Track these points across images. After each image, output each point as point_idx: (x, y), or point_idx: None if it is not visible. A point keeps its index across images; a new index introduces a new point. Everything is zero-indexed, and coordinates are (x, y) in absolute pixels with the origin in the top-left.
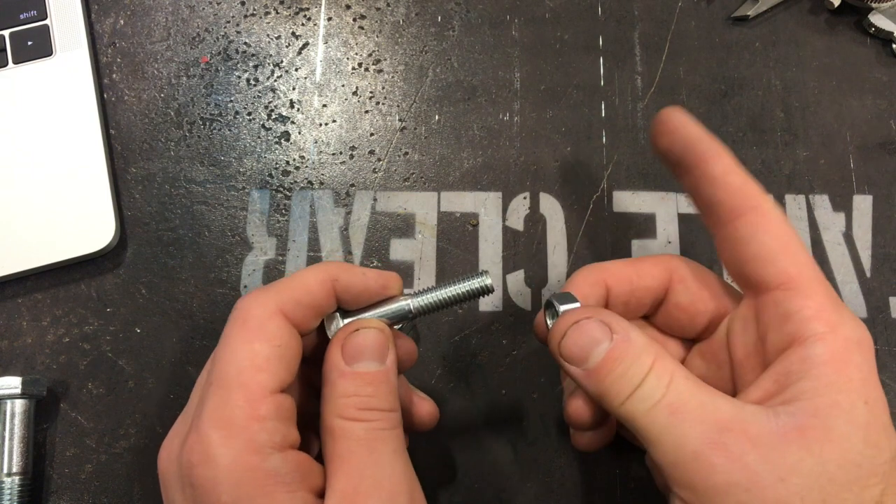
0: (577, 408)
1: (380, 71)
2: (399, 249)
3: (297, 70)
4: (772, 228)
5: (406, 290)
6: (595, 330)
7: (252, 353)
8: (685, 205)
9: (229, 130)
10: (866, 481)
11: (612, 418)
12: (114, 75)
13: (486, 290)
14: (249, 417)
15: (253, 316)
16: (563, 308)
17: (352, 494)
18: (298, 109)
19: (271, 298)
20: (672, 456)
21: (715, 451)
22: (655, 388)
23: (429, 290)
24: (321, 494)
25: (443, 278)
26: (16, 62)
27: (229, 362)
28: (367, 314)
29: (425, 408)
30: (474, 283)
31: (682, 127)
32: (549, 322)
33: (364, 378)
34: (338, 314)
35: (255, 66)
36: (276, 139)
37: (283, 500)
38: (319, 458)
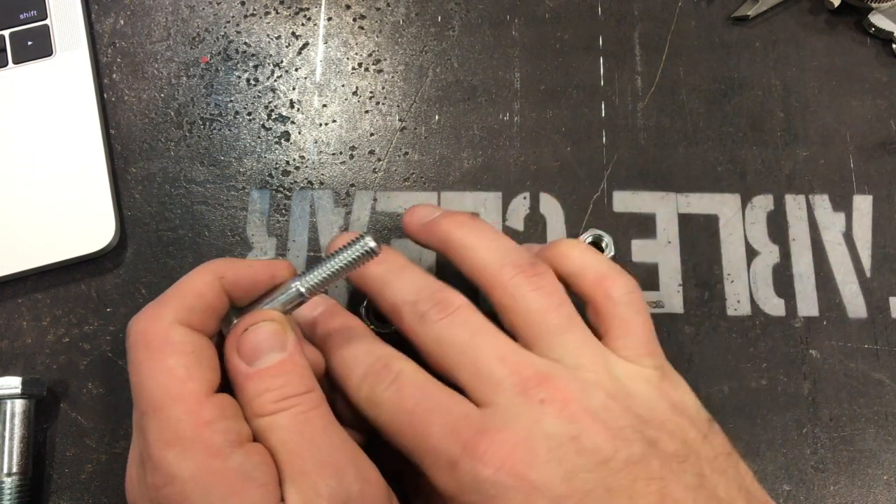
0: None
1: (380, 71)
2: (399, 250)
3: (297, 70)
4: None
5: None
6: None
7: (168, 368)
8: (685, 205)
9: (229, 130)
10: None
11: None
12: (114, 75)
13: (372, 253)
14: (196, 426)
15: (152, 335)
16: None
17: (300, 479)
18: (298, 109)
19: (163, 312)
20: None
21: None
22: None
23: (314, 266)
24: None
25: (443, 278)
26: (16, 62)
27: (151, 387)
28: (258, 307)
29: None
30: (357, 249)
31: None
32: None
33: (269, 372)
34: (231, 313)
35: (255, 66)
36: (276, 139)
37: (256, 496)
38: None
